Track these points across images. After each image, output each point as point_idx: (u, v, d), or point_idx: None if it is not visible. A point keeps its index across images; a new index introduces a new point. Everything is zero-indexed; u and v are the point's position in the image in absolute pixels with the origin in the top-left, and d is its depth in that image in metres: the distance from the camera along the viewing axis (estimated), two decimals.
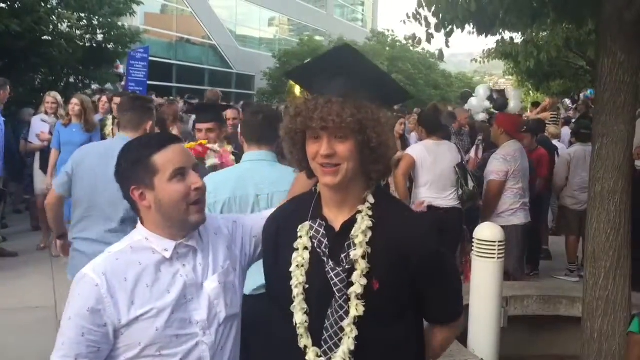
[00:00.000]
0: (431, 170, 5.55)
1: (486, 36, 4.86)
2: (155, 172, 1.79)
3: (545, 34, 12.63)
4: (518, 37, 9.73)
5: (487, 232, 4.37)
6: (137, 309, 1.75)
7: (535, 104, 15.57)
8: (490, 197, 5.76)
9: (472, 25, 4.50)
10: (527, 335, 5.11)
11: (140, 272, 1.79)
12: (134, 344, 1.76)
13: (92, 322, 1.72)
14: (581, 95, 14.22)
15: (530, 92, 26.54)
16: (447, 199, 5.62)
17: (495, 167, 5.74)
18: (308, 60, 1.98)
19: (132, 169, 1.82)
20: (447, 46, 4.95)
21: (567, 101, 14.41)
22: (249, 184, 3.14)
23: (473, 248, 4.41)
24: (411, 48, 33.54)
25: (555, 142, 9.48)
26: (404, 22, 4.93)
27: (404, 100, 2.03)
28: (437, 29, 4.52)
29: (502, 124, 6.01)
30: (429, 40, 4.85)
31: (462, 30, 4.46)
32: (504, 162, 5.74)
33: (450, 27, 4.39)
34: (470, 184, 5.53)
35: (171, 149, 1.81)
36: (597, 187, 3.84)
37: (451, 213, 5.58)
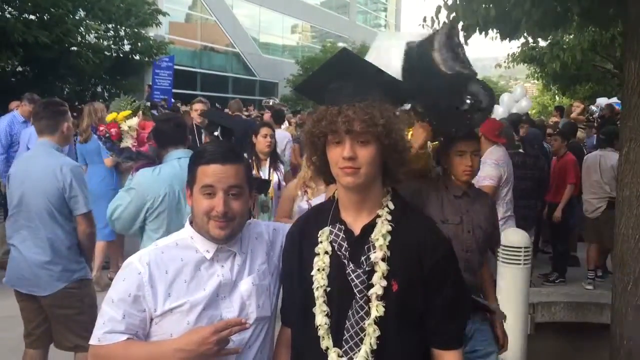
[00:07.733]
0: None
1: (510, 41, 4.83)
2: (194, 181, 1.91)
3: (571, 37, 12.51)
4: (543, 41, 9.64)
5: (513, 238, 4.33)
6: (172, 302, 1.85)
7: (559, 108, 15.24)
8: None
9: (494, 30, 4.48)
10: (555, 342, 5.04)
11: (180, 268, 1.89)
12: (166, 334, 1.85)
13: (132, 307, 1.83)
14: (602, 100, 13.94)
15: (557, 96, 26.17)
16: None
17: (489, 173, 5.26)
18: (310, 74, 1.97)
19: (189, 171, 1.96)
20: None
21: (594, 107, 14.14)
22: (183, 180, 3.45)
23: (499, 254, 4.38)
24: None
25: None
26: (422, 27, 4.89)
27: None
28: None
29: (482, 129, 5.45)
30: None
31: (486, 36, 4.44)
32: (497, 167, 5.35)
33: (468, 32, 4.35)
34: None
35: (213, 167, 1.87)
36: (625, 192, 3.78)
37: None
